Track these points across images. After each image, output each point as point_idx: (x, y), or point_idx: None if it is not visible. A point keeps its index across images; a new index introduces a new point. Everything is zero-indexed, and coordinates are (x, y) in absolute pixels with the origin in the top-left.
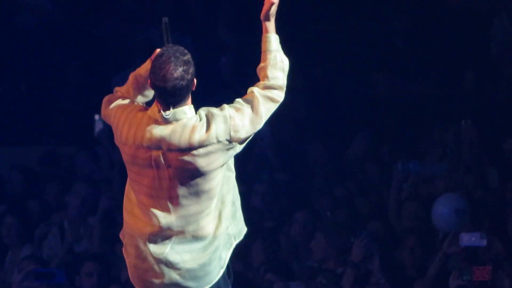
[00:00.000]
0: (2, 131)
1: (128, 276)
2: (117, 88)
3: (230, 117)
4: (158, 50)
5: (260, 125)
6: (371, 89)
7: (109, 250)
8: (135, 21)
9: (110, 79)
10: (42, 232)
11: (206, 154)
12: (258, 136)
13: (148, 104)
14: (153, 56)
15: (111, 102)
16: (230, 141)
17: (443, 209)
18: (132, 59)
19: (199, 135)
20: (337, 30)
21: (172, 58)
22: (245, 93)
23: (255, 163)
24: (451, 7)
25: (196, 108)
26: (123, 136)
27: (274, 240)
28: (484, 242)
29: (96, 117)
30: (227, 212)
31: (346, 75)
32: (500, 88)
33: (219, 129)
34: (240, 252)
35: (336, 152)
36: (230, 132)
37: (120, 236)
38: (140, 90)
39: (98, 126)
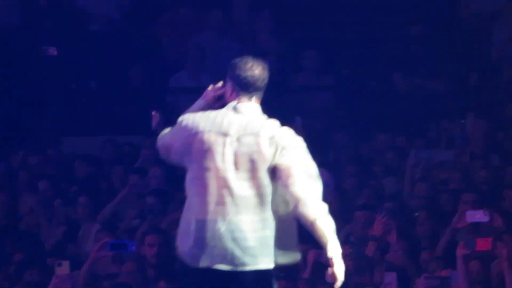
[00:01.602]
0: (79, 123)
1: None
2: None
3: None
4: (210, 86)
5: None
6: (392, 86)
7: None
8: (189, 27)
9: (168, 79)
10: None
11: (269, 145)
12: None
13: None
14: (205, 94)
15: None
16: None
17: None
18: (186, 61)
19: (269, 128)
20: (363, 36)
21: (254, 60)
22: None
23: None
24: (460, 17)
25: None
26: (200, 126)
27: None
28: (486, 218)
29: (153, 112)
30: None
31: (371, 75)
32: (500, 87)
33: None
34: None
35: (362, 141)
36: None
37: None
38: None
39: (155, 120)
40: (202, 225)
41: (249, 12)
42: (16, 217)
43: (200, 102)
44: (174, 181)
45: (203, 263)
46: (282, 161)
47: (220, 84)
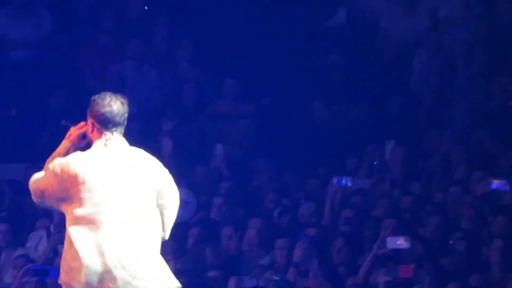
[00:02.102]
0: (2, 150)
1: None
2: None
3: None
4: (73, 128)
5: None
6: (312, 115)
7: None
8: (109, 55)
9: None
10: (32, 236)
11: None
12: (213, 153)
13: None
14: (69, 135)
15: (39, 182)
16: None
17: None
18: (106, 89)
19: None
20: (283, 64)
21: (111, 96)
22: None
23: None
24: (379, 45)
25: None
26: (77, 168)
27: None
28: (407, 245)
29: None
30: None
31: (291, 103)
32: (419, 114)
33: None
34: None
35: (281, 169)
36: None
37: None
38: None
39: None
40: (94, 261)
41: (168, 41)
42: None
43: (65, 143)
44: None
45: None
46: (163, 189)
47: (82, 123)
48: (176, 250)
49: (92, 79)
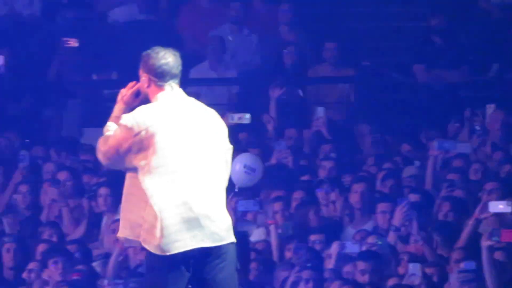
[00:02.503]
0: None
1: None
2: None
3: None
4: (123, 89)
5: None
6: (413, 78)
7: None
8: (209, 19)
9: (188, 70)
10: None
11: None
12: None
13: None
14: (121, 97)
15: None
16: None
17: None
18: (206, 52)
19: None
20: (384, 28)
21: (164, 49)
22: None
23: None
24: (481, 7)
25: None
26: (149, 120)
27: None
28: (509, 209)
29: None
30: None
31: (391, 66)
32: None
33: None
34: None
35: (382, 132)
36: None
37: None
38: None
39: None
40: (174, 210)
41: (268, 4)
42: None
43: (119, 106)
44: None
45: (185, 246)
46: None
47: (131, 84)
48: (278, 213)
49: (192, 43)
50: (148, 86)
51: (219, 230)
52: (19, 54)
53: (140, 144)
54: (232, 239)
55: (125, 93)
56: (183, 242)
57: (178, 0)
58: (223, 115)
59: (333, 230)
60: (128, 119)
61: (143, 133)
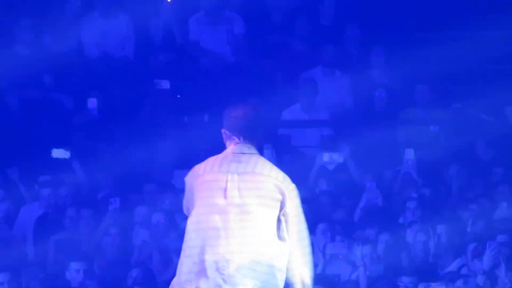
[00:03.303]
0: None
1: None
2: None
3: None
4: None
5: None
6: (505, 119)
7: None
8: (302, 62)
9: (281, 112)
10: None
11: (266, 182)
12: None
13: None
14: None
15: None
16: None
17: None
18: (298, 94)
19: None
20: (473, 68)
21: (243, 104)
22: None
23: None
24: None
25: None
26: (201, 169)
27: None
28: None
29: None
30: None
31: (482, 108)
32: None
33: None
34: None
35: (472, 175)
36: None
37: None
38: None
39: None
40: (195, 259)
41: (361, 47)
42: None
43: None
44: None
45: None
46: (287, 207)
47: None
48: (366, 256)
49: (284, 85)
50: (226, 141)
51: (225, 285)
52: (112, 96)
53: (193, 191)
54: None
55: None
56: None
57: (272, 43)
58: (315, 156)
59: (420, 272)
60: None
61: (197, 180)
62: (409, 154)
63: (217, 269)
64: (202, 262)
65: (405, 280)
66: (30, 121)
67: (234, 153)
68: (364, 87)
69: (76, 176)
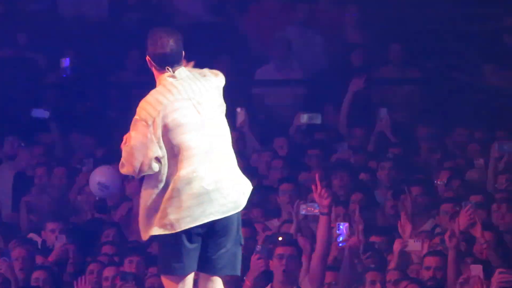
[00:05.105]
0: None
1: None
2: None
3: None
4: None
5: None
6: (482, 78)
7: None
8: (275, 20)
9: (254, 72)
10: None
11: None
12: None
13: None
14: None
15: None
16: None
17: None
18: (272, 54)
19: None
20: (452, 29)
21: (163, 35)
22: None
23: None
24: None
25: None
26: (159, 105)
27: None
28: None
29: (238, 109)
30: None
31: (458, 67)
32: None
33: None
34: None
35: (445, 134)
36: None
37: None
38: None
39: (240, 118)
40: (185, 188)
41: (334, 6)
42: None
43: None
44: None
45: (194, 222)
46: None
47: None
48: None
49: (258, 45)
50: (157, 71)
51: (227, 201)
52: (85, 55)
53: (157, 130)
54: (238, 208)
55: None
56: (192, 218)
57: (244, 2)
58: (292, 116)
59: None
60: (139, 114)
61: (157, 120)
62: (383, 112)
63: (218, 189)
64: (201, 188)
65: (377, 238)
66: (3, 79)
67: (178, 79)
68: (338, 46)
69: (52, 136)
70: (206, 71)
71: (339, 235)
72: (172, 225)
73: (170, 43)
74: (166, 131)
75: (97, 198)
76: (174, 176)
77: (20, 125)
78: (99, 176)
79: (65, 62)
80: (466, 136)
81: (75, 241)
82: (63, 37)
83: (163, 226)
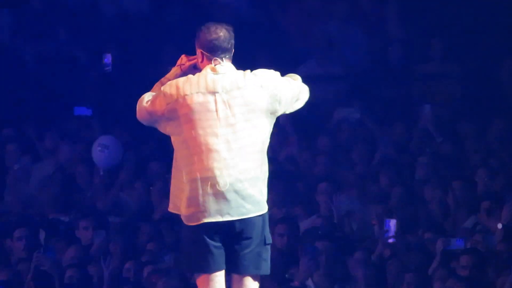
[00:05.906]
0: None
1: None
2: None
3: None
4: (184, 56)
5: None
6: None
7: None
8: (316, 16)
9: (296, 67)
10: None
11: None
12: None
13: None
14: (181, 63)
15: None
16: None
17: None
18: (313, 49)
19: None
20: (492, 23)
21: (217, 24)
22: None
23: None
24: None
25: None
26: (186, 90)
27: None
28: None
29: None
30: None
31: (498, 63)
32: None
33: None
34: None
35: (485, 129)
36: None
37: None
38: None
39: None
40: (200, 183)
41: (375, 0)
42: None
43: (175, 70)
44: None
45: (209, 218)
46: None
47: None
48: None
49: (299, 41)
50: (202, 61)
51: (245, 203)
52: (127, 52)
53: (174, 112)
54: (260, 211)
55: (185, 61)
56: (207, 213)
57: None
58: (331, 112)
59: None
60: (167, 85)
61: (178, 102)
62: (426, 108)
63: (235, 190)
64: (215, 187)
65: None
66: (45, 76)
67: (215, 72)
68: (378, 42)
69: (94, 133)
70: (258, 78)
71: (387, 231)
72: (187, 218)
73: (224, 31)
74: (179, 120)
75: (101, 173)
76: (189, 169)
77: (62, 121)
78: (100, 139)
79: (107, 58)
80: (508, 132)
81: (116, 238)
82: (105, 33)
83: (182, 213)
